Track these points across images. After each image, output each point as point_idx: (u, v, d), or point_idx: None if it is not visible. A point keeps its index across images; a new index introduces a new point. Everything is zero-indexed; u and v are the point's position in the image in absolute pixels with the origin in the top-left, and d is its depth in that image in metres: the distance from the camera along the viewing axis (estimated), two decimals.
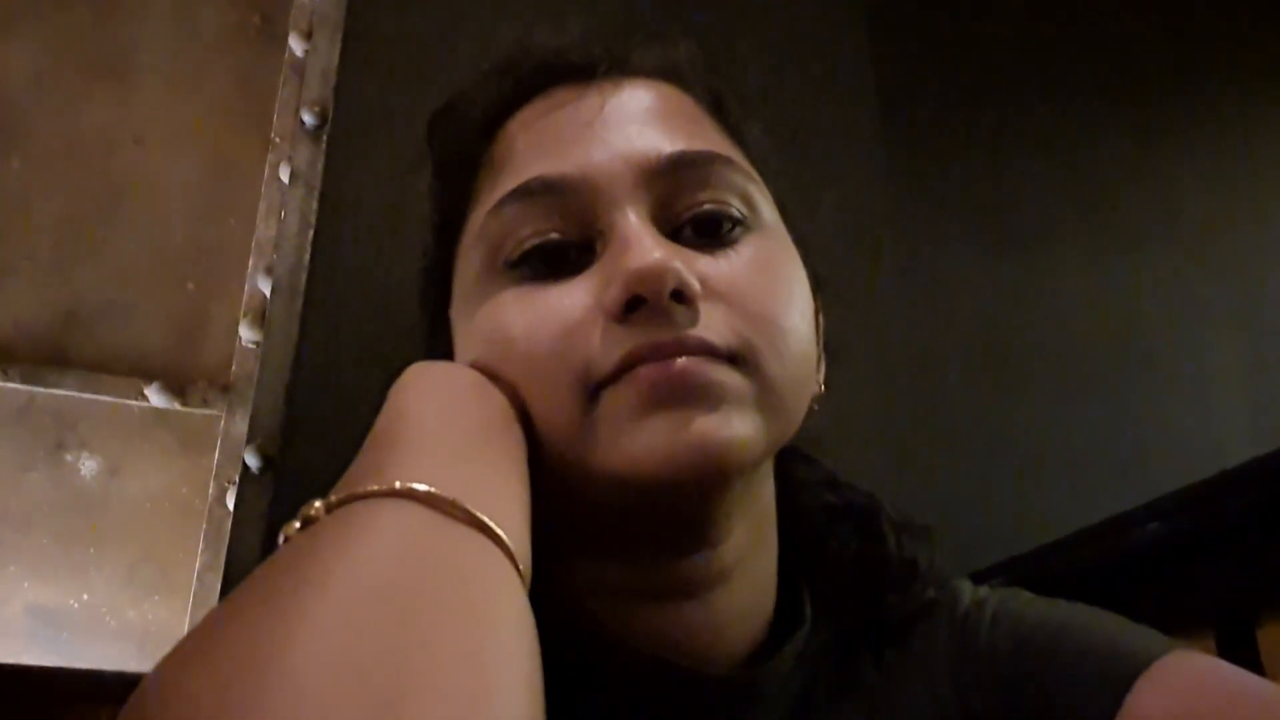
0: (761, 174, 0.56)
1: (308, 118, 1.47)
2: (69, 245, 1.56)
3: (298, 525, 0.37)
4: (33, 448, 1.47)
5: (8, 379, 1.47)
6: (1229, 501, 0.94)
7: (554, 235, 0.51)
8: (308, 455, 1.30)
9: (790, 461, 0.60)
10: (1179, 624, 0.50)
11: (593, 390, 0.47)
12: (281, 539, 0.37)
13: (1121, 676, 0.47)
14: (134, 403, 1.51)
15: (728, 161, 0.52)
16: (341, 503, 0.37)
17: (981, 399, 1.68)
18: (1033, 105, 1.94)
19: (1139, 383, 1.81)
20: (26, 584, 1.41)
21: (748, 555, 0.52)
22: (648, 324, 0.46)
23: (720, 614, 0.50)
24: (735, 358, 0.47)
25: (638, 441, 0.45)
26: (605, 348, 0.47)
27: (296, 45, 1.63)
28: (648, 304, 0.46)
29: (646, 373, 0.45)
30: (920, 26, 1.88)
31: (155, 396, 1.50)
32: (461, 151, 0.58)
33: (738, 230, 0.51)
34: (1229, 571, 0.95)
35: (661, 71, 0.57)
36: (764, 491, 0.53)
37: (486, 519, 0.37)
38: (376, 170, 1.45)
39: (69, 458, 1.48)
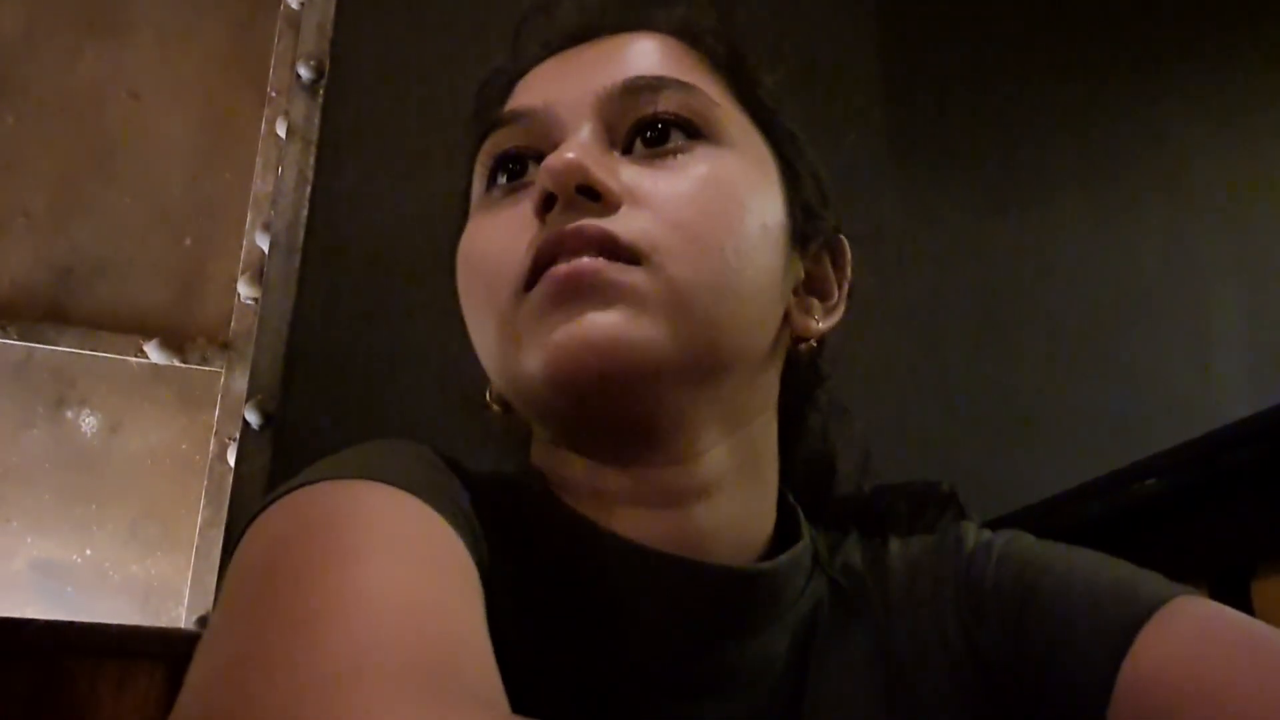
0: (765, 127, 0.57)
1: (304, 71, 1.46)
2: (65, 201, 1.55)
3: None
4: (33, 404, 1.47)
5: (6, 335, 1.47)
6: (1225, 457, 0.94)
7: (514, 146, 0.54)
8: (308, 411, 1.31)
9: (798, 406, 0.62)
10: (1174, 578, 0.50)
11: (522, 292, 0.49)
12: None
13: (1129, 620, 0.47)
14: (133, 359, 1.51)
15: (685, 86, 0.53)
16: None
17: (982, 356, 1.69)
18: (1034, 65, 1.93)
19: (1138, 339, 1.81)
20: (30, 539, 1.42)
21: (732, 479, 0.52)
22: (559, 219, 0.48)
23: (703, 527, 0.51)
24: (640, 256, 0.48)
25: (542, 343, 0.47)
26: (527, 249, 0.49)
27: None
28: (559, 199, 0.48)
29: (552, 272, 0.47)
30: None
31: (154, 353, 1.50)
32: (481, 117, 0.59)
33: (684, 141, 0.52)
34: (1224, 526, 0.95)
35: (657, 26, 0.58)
36: (749, 419, 0.54)
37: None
38: (374, 124, 1.44)
39: (69, 414, 1.48)
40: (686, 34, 0.58)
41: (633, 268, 0.47)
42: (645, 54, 0.55)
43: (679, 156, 0.51)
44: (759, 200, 0.53)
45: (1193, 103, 2.03)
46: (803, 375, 0.60)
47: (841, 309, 0.59)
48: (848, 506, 0.63)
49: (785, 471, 0.58)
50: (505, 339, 0.50)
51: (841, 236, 0.60)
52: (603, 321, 0.46)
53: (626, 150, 0.52)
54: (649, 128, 0.52)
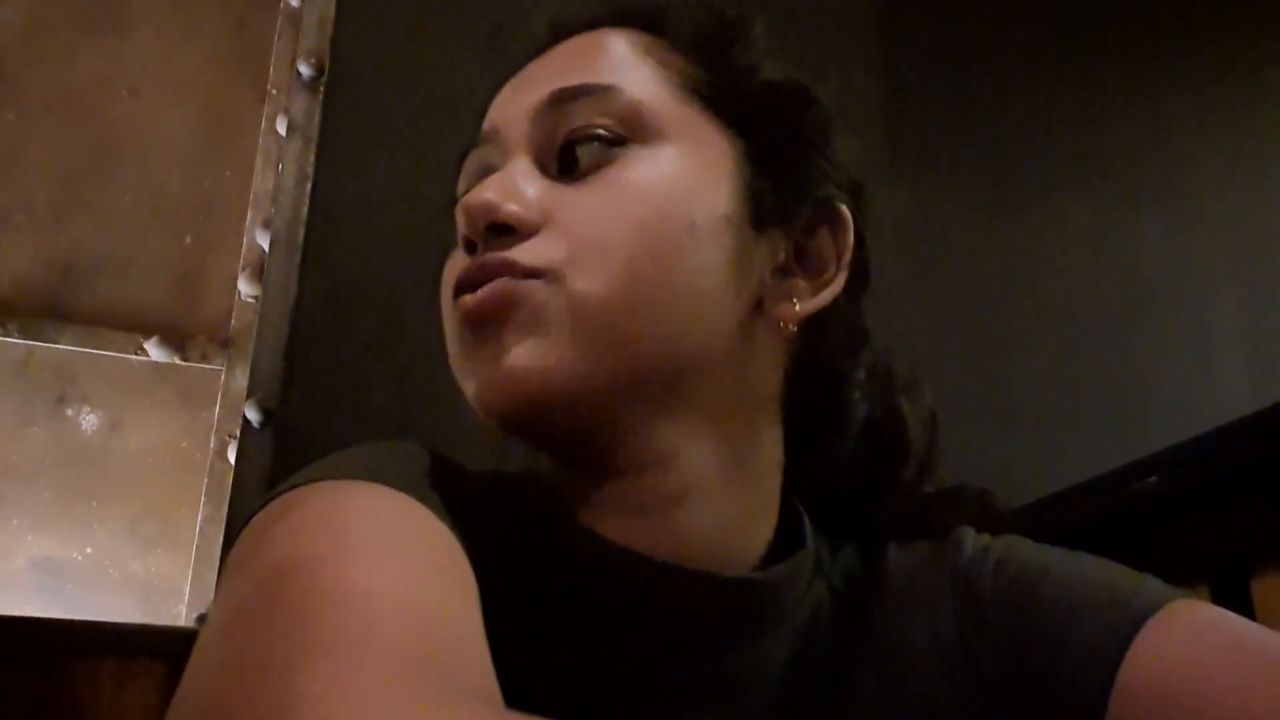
0: (727, 104, 0.55)
1: (304, 69, 1.46)
2: (65, 198, 1.55)
3: None
4: (33, 402, 1.47)
5: (7, 333, 1.47)
6: (1226, 456, 0.94)
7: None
8: (308, 409, 1.31)
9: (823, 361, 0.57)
10: (1175, 576, 0.50)
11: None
12: None
13: (1126, 624, 0.47)
14: (134, 357, 1.51)
15: (604, 90, 0.52)
16: None
17: (981, 355, 1.69)
18: (1033, 64, 1.92)
19: (1138, 339, 1.81)
20: (30, 537, 1.42)
21: (716, 482, 0.51)
22: (481, 254, 0.50)
23: (689, 531, 0.50)
24: (542, 275, 0.48)
25: (468, 379, 0.50)
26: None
27: None
28: (477, 239, 0.49)
29: (459, 303, 0.49)
30: None
31: (155, 351, 1.50)
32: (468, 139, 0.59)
33: (605, 150, 0.50)
34: (1225, 524, 0.95)
35: (608, 18, 0.57)
36: (727, 419, 0.52)
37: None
38: (375, 121, 1.44)
39: (70, 412, 1.48)
40: (633, 20, 0.57)
41: (534, 291, 0.47)
42: (577, 59, 0.55)
43: (599, 169, 0.50)
44: (689, 195, 0.51)
45: (1193, 103, 2.03)
46: (819, 361, 0.56)
47: (839, 282, 0.55)
48: (906, 513, 0.60)
49: (807, 470, 0.57)
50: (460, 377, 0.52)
51: (838, 204, 0.56)
52: (513, 354, 0.47)
53: (562, 167, 0.51)
54: (568, 145, 0.51)
